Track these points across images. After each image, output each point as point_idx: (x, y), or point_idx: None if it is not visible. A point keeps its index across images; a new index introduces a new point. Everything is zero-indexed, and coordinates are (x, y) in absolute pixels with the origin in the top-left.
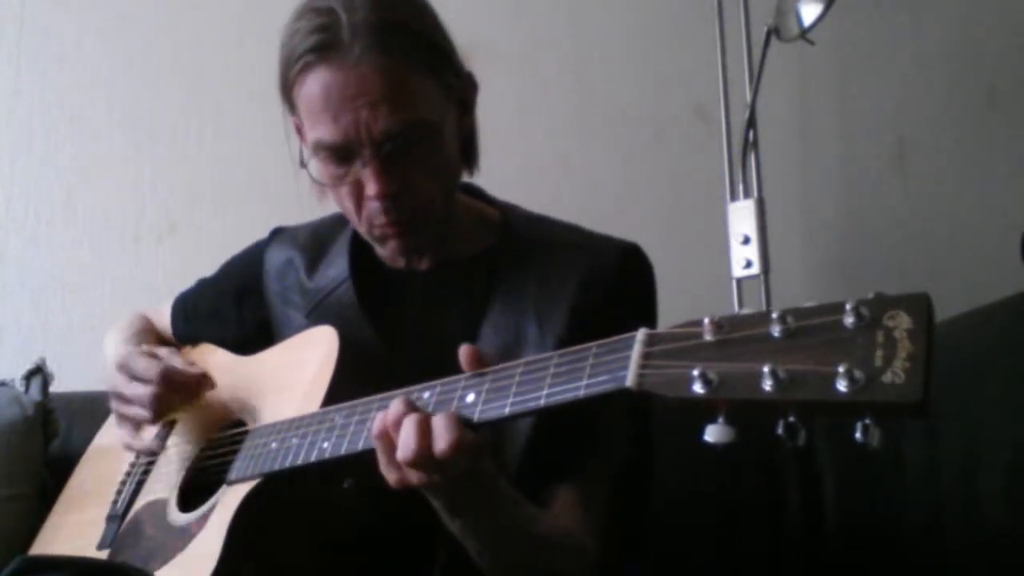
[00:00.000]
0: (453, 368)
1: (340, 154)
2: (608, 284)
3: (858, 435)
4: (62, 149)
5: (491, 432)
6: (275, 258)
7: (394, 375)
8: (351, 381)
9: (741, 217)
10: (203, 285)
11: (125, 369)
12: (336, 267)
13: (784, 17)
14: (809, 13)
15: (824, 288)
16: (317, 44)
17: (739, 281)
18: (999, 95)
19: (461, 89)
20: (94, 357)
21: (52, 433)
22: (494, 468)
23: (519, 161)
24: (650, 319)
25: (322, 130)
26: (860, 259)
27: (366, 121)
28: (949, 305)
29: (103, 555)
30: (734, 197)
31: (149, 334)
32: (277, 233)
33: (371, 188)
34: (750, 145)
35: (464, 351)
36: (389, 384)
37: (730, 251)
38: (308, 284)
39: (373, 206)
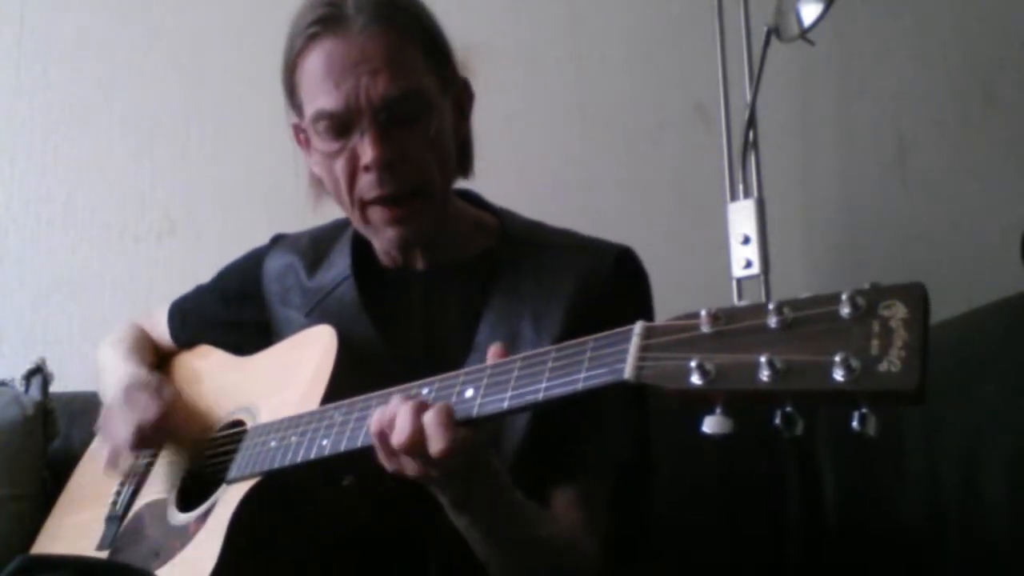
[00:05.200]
0: (450, 367)
1: (339, 124)
2: (604, 286)
3: (855, 424)
4: (62, 149)
5: (491, 429)
6: (275, 263)
7: (392, 373)
8: (350, 379)
9: (741, 217)
10: (201, 291)
11: (127, 393)
12: (337, 267)
13: (784, 17)
14: (809, 13)
15: (824, 288)
16: (323, 16)
17: (739, 281)
18: (998, 95)
19: (458, 90)
20: (94, 357)
21: (52, 433)
22: (499, 466)
23: (519, 161)
24: (647, 319)
25: (323, 99)
26: (860, 259)
27: (366, 87)
28: (949, 305)
29: (103, 556)
30: (734, 197)
31: (146, 346)
32: (277, 240)
33: (367, 155)
34: (750, 145)
35: (494, 352)
36: (388, 382)
37: (730, 251)
38: (308, 284)
39: (367, 179)
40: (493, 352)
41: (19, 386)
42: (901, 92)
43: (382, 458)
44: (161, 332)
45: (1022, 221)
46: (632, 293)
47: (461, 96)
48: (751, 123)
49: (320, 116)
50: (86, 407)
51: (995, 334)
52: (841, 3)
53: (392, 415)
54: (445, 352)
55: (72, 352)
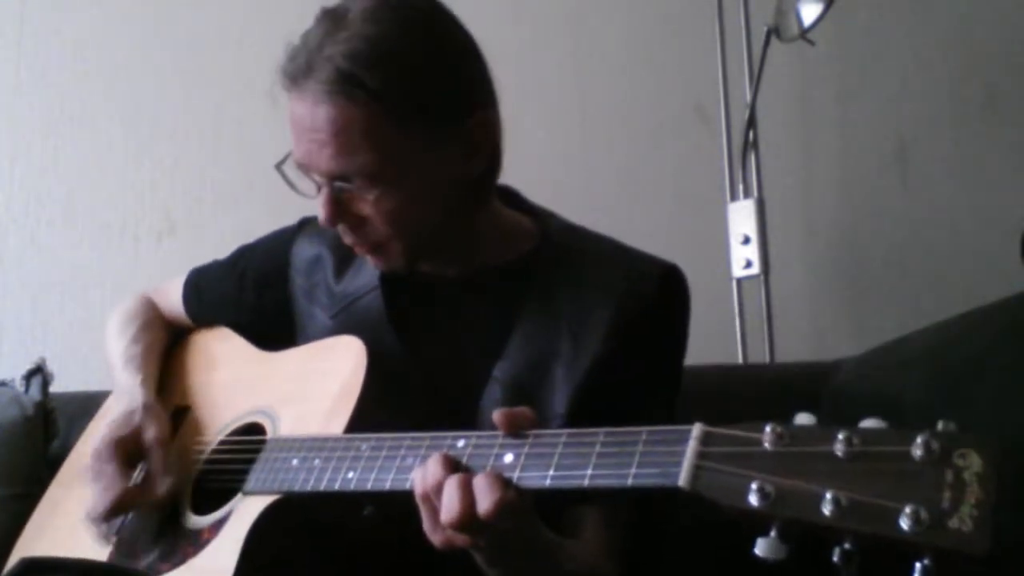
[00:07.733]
0: (476, 378)
1: (308, 172)
2: (647, 306)
3: None
4: (62, 149)
5: None
6: (303, 251)
7: (418, 387)
8: (378, 398)
9: (741, 217)
10: (222, 266)
11: (109, 447)
12: (366, 273)
13: (784, 17)
14: (809, 13)
15: (824, 288)
16: (288, 72)
17: (739, 281)
18: (999, 95)
19: (462, 135)
20: (94, 357)
21: (52, 433)
22: (536, 519)
23: (519, 161)
24: (683, 343)
25: (294, 147)
26: (860, 259)
27: (315, 155)
28: (949, 305)
29: (106, 549)
30: (734, 197)
31: (156, 327)
32: (305, 224)
33: (320, 214)
34: (750, 145)
35: (498, 416)
36: (413, 397)
37: (730, 251)
38: (336, 287)
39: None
40: (498, 418)
41: (19, 386)
42: (901, 92)
43: (428, 531)
44: (175, 304)
45: (1022, 221)
46: (674, 317)
47: (474, 135)
48: (751, 123)
49: (295, 160)
50: (86, 407)
51: (995, 334)
52: (841, 3)
53: (436, 482)
54: (472, 363)
55: (72, 352)
